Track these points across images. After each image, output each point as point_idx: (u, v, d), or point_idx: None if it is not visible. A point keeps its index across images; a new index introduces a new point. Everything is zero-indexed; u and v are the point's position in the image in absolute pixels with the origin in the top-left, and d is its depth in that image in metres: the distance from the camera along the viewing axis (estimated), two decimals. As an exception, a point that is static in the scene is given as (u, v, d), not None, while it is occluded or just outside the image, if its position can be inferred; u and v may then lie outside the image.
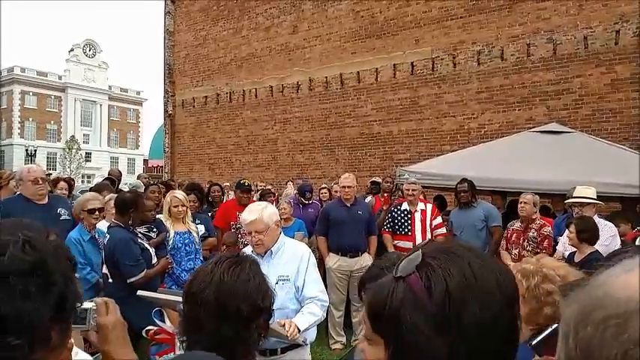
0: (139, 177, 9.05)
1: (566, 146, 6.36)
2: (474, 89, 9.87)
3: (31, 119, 57.07)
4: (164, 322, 2.32)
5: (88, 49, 62.86)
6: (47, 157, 53.78)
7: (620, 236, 4.50)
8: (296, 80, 12.32)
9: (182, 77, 14.79)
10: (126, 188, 6.96)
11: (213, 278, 1.36)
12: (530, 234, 4.78)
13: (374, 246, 5.42)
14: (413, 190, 5.48)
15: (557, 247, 4.66)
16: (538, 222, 4.86)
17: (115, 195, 4.47)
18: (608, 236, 4.29)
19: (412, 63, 10.59)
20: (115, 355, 1.16)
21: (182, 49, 14.80)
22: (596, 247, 3.82)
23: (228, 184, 9.65)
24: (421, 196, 5.78)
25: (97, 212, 4.23)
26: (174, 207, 4.45)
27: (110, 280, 3.71)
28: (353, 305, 5.40)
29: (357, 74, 11.35)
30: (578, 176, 5.24)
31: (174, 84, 14.95)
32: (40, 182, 4.15)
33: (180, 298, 1.52)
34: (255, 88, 13.07)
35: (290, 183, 9.26)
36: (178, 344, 1.96)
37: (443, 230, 5.49)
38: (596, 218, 4.32)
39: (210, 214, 5.87)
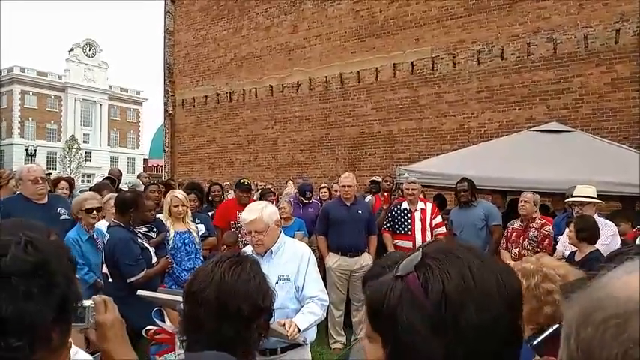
0: (139, 176, 9.06)
1: (567, 145, 6.36)
2: (474, 88, 9.87)
3: (31, 119, 57.07)
4: (164, 321, 2.32)
5: (88, 48, 62.87)
6: (47, 157, 53.78)
7: (620, 235, 4.50)
8: (296, 80, 12.32)
9: (182, 77, 14.79)
10: (125, 187, 6.96)
11: (213, 278, 1.36)
12: (531, 233, 4.78)
13: (374, 245, 5.42)
14: (413, 189, 5.48)
15: (557, 247, 4.66)
16: (539, 221, 4.86)
17: (115, 195, 4.47)
18: (608, 235, 4.29)
19: (412, 62, 10.59)
20: (115, 354, 1.16)
21: (182, 48, 14.80)
22: (597, 246, 3.82)
23: (228, 183, 9.65)
24: (421, 196, 5.78)
25: (94, 212, 4.20)
26: (175, 207, 4.46)
27: (110, 280, 3.71)
28: (353, 305, 5.40)
29: (357, 74, 11.35)
30: (578, 175, 5.25)
31: (174, 84, 14.95)
32: (40, 182, 4.14)
33: (180, 298, 1.52)
34: (255, 88, 13.07)
35: (290, 182, 9.26)
36: (178, 343, 1.97)
37: (443, 230, 5.49)
38: (596, 217, 4.32)
39: (210, 213, 5.88)
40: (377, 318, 0.76)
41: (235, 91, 13.50)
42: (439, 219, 5.55)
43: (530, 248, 4.68)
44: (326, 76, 11.83)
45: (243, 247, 3.63)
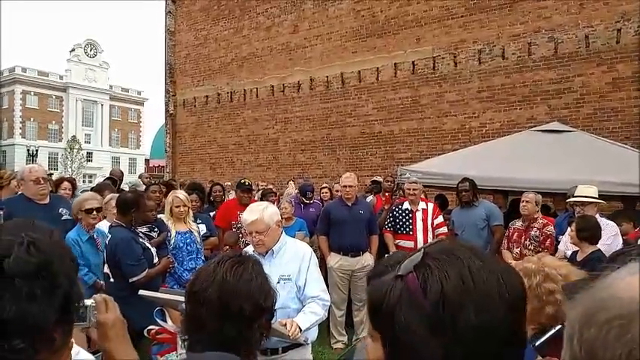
0: (140, 177, 9.07)
1: (568, 145, 6.36)
2: (475, 88, 9.86)
3: (32, 119, 57.14)
4: (166, 321, 2.32)
5: (89, 49, 62.92)
6: (49, 157, 53.86)
7: (622, 235, 4.49)
8: (297, 80, 12.32)
9: (183, 77, 14.80)
10: (127, 188, 6.97)
11: (215, 277, 1.36)
12: (532, 233, 4.78)
13: (375, 245, 5.42)
14: (414, 189, 5.48)
15: (559, 247, 4.65)
16: (540, 221, 4.86)
17: (117, 195, 4.46)
18: (610, 235, 4.29)
19: (413, 62, 10.58)
20: (116, 353, 1.17)
21: (183, 48, 14.81)
22: (599, 246, 3.81)
23: (229, 183, 9.65)
24: (422, 196, 5.77)
25: (94, 212, 4.17)
26: (176, 207, 4.47)
27: (112, 280, 3.72)
28: (354, 304, 5.40)
29: (358, 73, 11.34)
30: (579, 175, 5.24)
31: (175, 84, 14.96)
32: (42, 182, 4.14)
33: (181, 298, 1.52)
34: (256, 88, 13.06)
35: (291, 182, 9.26)
36: (180, 343, 1.97)
37: (444, 230, 5.49)
38: (597, 217, 4.31)
39: (211, 213, 5.88)
40: (377, 317, 0.76)
41: (236, 91, 13.50)
42: (440, 219, 5.55)
43: (532, 248, 4.68)
44: (327, 76, 11.82)
45: (245, 247, 3.63)
